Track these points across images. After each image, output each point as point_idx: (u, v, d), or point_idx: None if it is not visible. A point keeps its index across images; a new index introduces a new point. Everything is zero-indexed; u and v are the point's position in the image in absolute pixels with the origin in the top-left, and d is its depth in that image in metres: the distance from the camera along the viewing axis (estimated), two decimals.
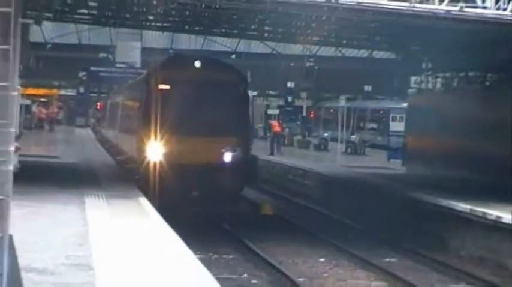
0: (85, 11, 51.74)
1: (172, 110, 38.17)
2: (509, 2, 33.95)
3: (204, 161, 38.02)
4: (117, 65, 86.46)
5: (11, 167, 14.36)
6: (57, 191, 32.08)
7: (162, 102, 37.55)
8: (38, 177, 34.24)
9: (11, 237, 14.11)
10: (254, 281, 30.05)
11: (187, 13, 44.95)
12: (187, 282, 18.38)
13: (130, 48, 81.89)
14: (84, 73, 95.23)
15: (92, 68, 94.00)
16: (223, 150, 38.32)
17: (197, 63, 38.70)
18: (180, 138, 38.03)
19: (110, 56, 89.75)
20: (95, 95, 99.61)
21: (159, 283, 17.90)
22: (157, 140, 37.36)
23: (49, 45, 79.88)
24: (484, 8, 33.92)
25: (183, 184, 37.48)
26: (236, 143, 38.67)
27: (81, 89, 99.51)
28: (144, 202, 31.64)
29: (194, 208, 38.42)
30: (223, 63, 42.98)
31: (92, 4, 47.32)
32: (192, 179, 37.68)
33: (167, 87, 38.37)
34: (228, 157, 38.43)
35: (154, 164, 37.16)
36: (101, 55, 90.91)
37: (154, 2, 41.68)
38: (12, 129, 14.43)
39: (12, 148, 14.57)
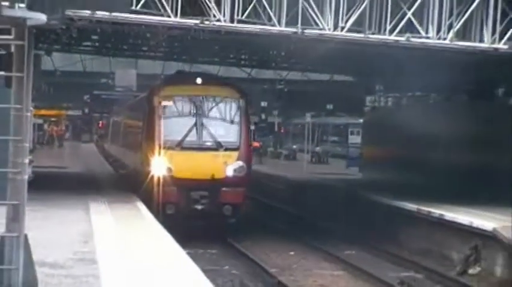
0: (88, 43, 51.80)
1: (175, 126, 35.88)
2: (448, 32, 34.08)
3: (207, 175, 34.92)
4: (116, 89, 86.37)
5: (25, 177, 14.31)
6: (66, 198, 32.14)
7: (165, 118, 35.61)
8: (49, 185, 34.16)
9: (26, 236, 14.06)
10: (234, 271, 30.24)
11: (176, 44, 44.85)
12: (178, 274, 18.36)
13: (127, 75, 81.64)
14: (88, 96, 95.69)
15: (95, 92, 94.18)
16: (226, 164, 35.24)
17: (198, 80, 36.63)
18: (183, 153, 35.36)
19: (110, 81, 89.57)
20: (97, 114, 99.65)
21: (154, 274, 17.87)
22: (160, 155, 34.44)
23: (58, 73, 79.71)
24: (427, 37, 34.03)
25: (187, 198, 34.92)
26: (238, 157, 35.71)
27: (86, 110, 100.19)
28: (141, 207, 32.03)
29: (198, 222, 35.77)
30: (223, 80, 41.55)
31: (94, 37, 47.37)
32: (196, 194, 34.94)
33: (170, 103, 35.80)
34: (230, 170, 35.30)
35: (159, 179, 34.07)
36: (102, 80, 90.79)
37: (148, 35, 41.55)
38: (27, 144, 14.38)
39: (26, 160, 14.51)
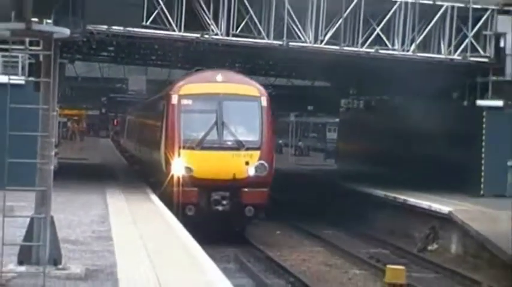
0: (105, 53, 51.62)
1: (195, 125, 30.19)
2: (411, 44, 34.10)
3: (228, 175, 29.19)
4: (129, 92, 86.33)
5: (51, 167, 14.28)
6: (86, 185, 32.04)
7: (184, 116, 29.93)
8: (72, 174, 34.05)
9: (52, 218, 14.03)
10: (229, 248, 30.01)
11: (179, 54, 44.65)
12: (180, 248, 18.31)
13: (138, 80, 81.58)
14: (105, 98, 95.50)
15: (111, 95, 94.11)
16: (247, 164, 29.48)
17: (219, 78, 30.44)
18: (203, 152, 29.55)
19: (123, 85, 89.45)
20: (112, 114, 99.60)
21: (161, 249, 17.80)
22: (180, 155, 29.04)
23: (79, 78, 79.43)
24: (393, 49, 34.04)
25: (207, 199, 29.21)
26: (260, 156, 29.75)
27: (103, 110, 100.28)
28: (150, 192, 31.85)
29: (219, 223, 29.72)
30: (244, 77, 33.30)
31: (111, 48, 47.19)
32: (217, 195, 29.14)
33: (190, 101, 30.00)
34: (252, 170, 29.46)
35: (178, 179, 28.64)
36: (117, 85, 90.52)
37: (156, 47, 41.50)
38: (53, 139, 14.36)
39: (52, 153, 14.49)
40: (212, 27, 32.43)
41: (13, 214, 13.87)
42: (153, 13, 31.08)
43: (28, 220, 14.00)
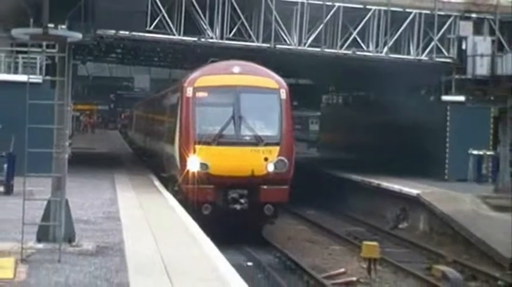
0: (113, 55, 51.56)
1: (211, 119, 25.49)
2: (383, 46, 34.15)
3: (246, 172, 24.51)
4: (134, 90, 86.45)
5: (66, 156, 14.30)
6: (96, 171, 31.93)
7: (200, 110, 25.36)
8: (84, 162, 33.92)
9: (66, 201, 14.06)
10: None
11: (179, 56, 44.63)
12: (181, 227, 18.33)
13: (143, 79, 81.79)
14: (113, 95, 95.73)
15: (118, 92, 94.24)
16: (266, 160, 24.84)
17: (236, 69, 25.87)
18: (220, 148, 24.81)
19: (130, 84, 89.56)
20: (120, 108, 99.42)
21: (163, 228, 17.81)
22: (196, 151, 24.60)
23: (90, 77, 79.41)
24: (368, 51, 34.10)
25: (224, 197, 24.62)
26: (280, 152, 25.01)
27: (111, 105, 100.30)
28: (153, 178, 31.30)
29: (236, 222, 24.98)
30: (262, 68, 27.34)
31: (118, 51, 47.14)
32: (235, 192, 24.54)
33: (205, 94, 25.48)
34: (271, 167, 24.82)
35: (194, 176, 24.32)
36: (124, 83, 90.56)
37: (158, 49, 41.46)
38: (67, 131, 14.39)
39: (66, 143, 14.51)
40: (208, 31, 32.51)
41: (32, 197, 13.88)
42: (155, 19, 31.16)
43: (45, 202, 14.05)
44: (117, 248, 14.54)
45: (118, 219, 18.60)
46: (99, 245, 14.56)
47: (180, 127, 25.91)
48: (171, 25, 31.97)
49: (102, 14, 13.28)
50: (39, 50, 27.35)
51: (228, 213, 24.63)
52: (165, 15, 31.73)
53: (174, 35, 32.20)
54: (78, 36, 13.36)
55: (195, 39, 32.70)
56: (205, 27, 32.47)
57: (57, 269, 12.35)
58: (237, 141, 25.21)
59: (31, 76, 25.67)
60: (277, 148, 25.24)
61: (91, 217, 18.12)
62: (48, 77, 22.19)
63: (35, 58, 28.56)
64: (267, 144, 25.16)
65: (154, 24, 31.10)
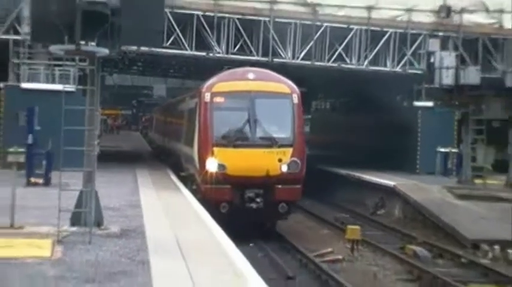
0: (135, 67, 51.57)
1: (228, 122, 23.57)
2: (364, 60, 34.15)
3: (262, 172, 22.63)
4: (153, 97, 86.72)
5: (95, 153, 14.30)
6: (121, 167, 31.89)
7: (217, 114, 23.53)
8: (110, 158, 33.89)
9: (96, 191, 14.05)
10: None
11: (191, 68, 44.57)
12: (192, 214, 18.33)
13: (160, 88, 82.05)
14: (135, 101, 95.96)
15: (139, 99, 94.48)
16: (280, 161, 22.96)
17: (251, 75, 24.02)
18: (236, 150, 22.98)
19: (149, 92, 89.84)
20: (141, 113, 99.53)
21: (177, 214, 17.81)
22: (214, 153, 22.84)
23: (116, 86, 79.53)
24: (351, 64, 34.11)
25: (241, 196, 22.77)
26: (293, 154, 23.17)
27: (134, 110, 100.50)
28: (170, 172, 30.83)
29: (252, 220, 23.64)
30: (275, 74, 25.55)
31: (139, 64, 47.15)
32: (251, 192, 22.72)
33: (222, 99, 23.63)
34: (285, 167, 23.03)
35: (212, 176, 22.61)
36: (144, 91, 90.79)
37: (173, 62, 41.47)
38: (96, 132, 14.38)
39: (96, 142, 14.50)
40: (215, 47, 32.51)
41: (67, 188, 13.88)
42: (171, 37, 31.18)
43: (78, 193, 14.05)
44: (138, 231, 14.57)
45: (139, 207, 18.63)
46: (123, 228, 14.59)
47: (199, 130, 23.94)
48: (184, 42, 32.00)
49: (125, 33, 13.25)
50: (72, 63, 27.48)
51: (244, 211, 22.77)
52: (179, 34, 31.74)
53: (186, 50, 32.22)
54: (105, 51, 13.35)
55: (205, 54, 32.73)
56: (213, 43, 32.47)
57: (88, 249, 12.37)
58: (253, 144, 23.33)
59: (66, 86, 25.78)
60: (290, 150, 23.41)
61: (116, 204, 18.13)
62: (80, 86, 22.14)
63: (69, 70, 28.59)
64: (280, 146, 23.35)
65: (170, 41, 31.14)
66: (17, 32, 29.25)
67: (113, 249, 12.55)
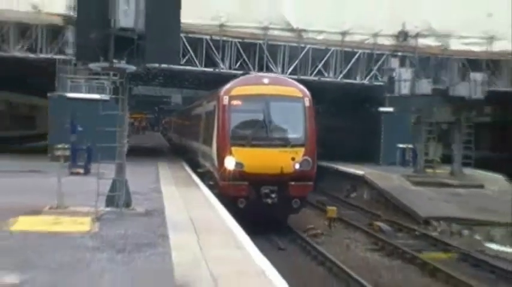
0: (157, 80, 51.45)
1: (245, 123, 21.12)
2: (340, 74, 34.16)
3: (277, 170, 20.24)
4: (171, 104, 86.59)
5: (125, 149, 14.30)
6: (145, 160, 31.78)
7: (235, 116, 21.08)
8: (137, 153, 33.85)
9: (126, 180, 14.06)
10: None
11: (202, 81, 44.49)
12: (202, 198, 18.29)
13: (177, 97, 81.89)
14: (157, 107, 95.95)
15: (160, 105, 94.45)
16: (293, 159, 20.48)
17: (265, 80, 21.77)
18: (253, 149, 20.46)
19: (168, 100, 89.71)
20: (161, 117, 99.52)
21: (190, 199, 17.76)
22: (232, 152, 20.35)
23: (141, 95, 79.60)
24: (329, 78, 34.08)
25: (258, 192, 20.31)
26: (305, 153, 20.72)
27: (156, 114, 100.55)
28: (185, 165, 30.43)
29: (267, 214, 20.85)
30: (288, 79, 23.67)
31: (160, 78, 47.05)
32: (267, 188, 20.25)
33: (240, 102, 21.14)
34: (298, 165, 20.57)
35: (230, 174, 20.14)
36: (164, 99, 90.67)
37: (187, 76, 41.44)
38: (125, 132, 14.36)
39: (125, 140, 14.48)
40: (220, 64, 32.51)
41: (103, 177, 13.89)
42: (186, 56, 31.17)
43: (111, 180, 14.06)
44: (159, 211, 14.58)
45: (160, 192, 18.64)
46: (147, 209, 14.59)
47: (218, 131, 21.25)
48: (196, 60, 32.01)
49: (149, 53, 13.27)
50: (107, 77, 27.46)
51: (260, 206, 20.24)
52: (192, 54, 31.74)
53: (197, 67, 32.23)
54: (133, 68, 13.36)
55: (212, 69, 32.73)
56: (218, 61, 32.48)
57: (119, 225, 12.38)
58: (268, 143, 20.64)
59: (102, 95, 25.80)
60: (303, 149, 20.83)
61: (142, 190, 18.12)
62: (113, 96, 22.15)
63: (104, 83, 28.59)
64: (293, 145, 20.78)
65: (184, 59, 31.13)
66: (62, 53, 29.23)
67: (139, 225, 12.56)
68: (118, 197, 13.80)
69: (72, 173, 22.05)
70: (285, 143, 20.73)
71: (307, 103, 21.38)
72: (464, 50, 35.00)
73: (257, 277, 8.93)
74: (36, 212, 13.35)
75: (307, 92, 21.55)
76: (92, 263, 9.29)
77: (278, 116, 21.20)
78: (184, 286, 8.22)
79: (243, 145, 20.45)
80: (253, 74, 24.03)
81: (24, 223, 12.16)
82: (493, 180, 29.64)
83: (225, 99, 21.16)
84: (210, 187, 20.70)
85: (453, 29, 34.66)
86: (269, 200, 20.17)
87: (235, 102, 20.96)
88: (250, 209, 19.78)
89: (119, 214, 13.30)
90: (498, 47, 34.88)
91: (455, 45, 35.09)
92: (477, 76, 30.33)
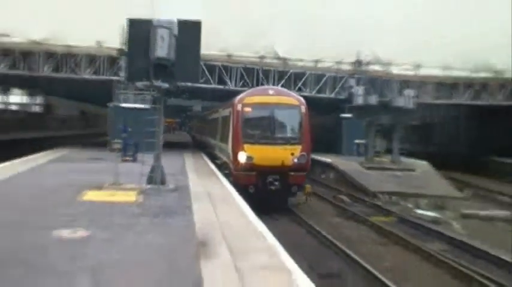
0: (184, 95, 51.13)
1: (255, 126, 19.56)
2: (314, 90, 34.06)
3: (279, 163, 19.00)
4: (194, 111, 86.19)
5: (161, 143, 14.27)
6: (175, 151, 31.55)
7: (247, 120, 19.61)
8: (169, 146, 33.60)
9: (162, 166, 14.03)
10: None
11: (215, 95, 44.21)
12: (215, 176, 18.15)
13: (197, 106, 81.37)
14: (184, 114, 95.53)
15: (187, 113, 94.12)
16: (293, 155, 19.21)
17: (270, 92, 20.42)
18: (261, 146, 19.14)
19: (191, 108, 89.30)
20: (187, 120, 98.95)
21: (208, 179, 17.56)
22: (244, 148, 19.00)
23: (172, 105, 79.27)
24: (306, 92, 33.99)
25: (264, 180, 19.02)
26: (301, 149, 19.52)
27: (182, 119, 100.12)
28: (204, 155, 29.16)
29: (272, 198, 19.34)
30: (288, 91, 22.22)
31: (186, 93, 46.82)
32: (271, 177, 19.04)
33: (250, 109, 19.71)
34: (296, 159, 19.26)
35: (243, 166, 18.88)
36: (189, 108, 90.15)
37: (204, 92, 41.24)
38: (161, 131, 14.36)
39: (161, 137, 14.45)
40: (229, 83, 32.41)
41: (145, 163, 13.88)
42: (203, 77, 31.08)
43: (151, 166, 14.05)
44: (185, 188, 14.54)
45: (186, 174, 18.56)
46: (177, 186, 14.52)
47: (233, 131, 19.69)
48: (211, 80, 31.89)
49: (177, 75, 13.32)
50: (148, 92, 27.37)
51: (266, 192, 18.90)
52: (208, 76, 31.65)
53: (212, 84, 32.11)
54: (166, 86, 13.37)
55: (222, 87, 32.59)
56: (227, 81, 32.37)
57: (156, 197, 12.39)
58: (273, 142, 19.18)
59: (145, 105, 25.73)
60: (300, 146, 19.37)
61: (172, 172, 18.07)
62: (152, 105, 22.10)
63: (146, 96, 28.51)
64: (292, 144, 19.33)
65: (203, 80, 31.01)
66: (117, 75, 29.19)
67: (171, 197, 12.56)
68: (156, 177, 13.82)
69: (123, 160, 21.95)
70: (286, 141, 19.38)
71: (303, 110, 19.96)
72: (401, 74, 34.99)
73: (255, 236, 8.96)
74: (99, 187, 13.37)
75: (303, 101, 20.18)
76: (136, 224, 9.34)
77: (280, 120, 19.92)
78: (204, 240, 8.26)
79: (253, 143, 19.16)
80: (261, 87, 22.39)
81: (91, 195, 12.20)
82: (421, 165, 29.70)
83: (239, 107, 19.89)
84: (226, 175, 19.21)
85: (393, 58, 34.69)
86: (273, 187, 19.00)
87: (246, 109, 19.68)
88: (258, 194, 18.58)
89: (156, 190, 13.31)
90: (423, 72, 34.89)
91: (394, 70, 35.10)
92: (410, 92, 30.40)
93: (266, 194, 18.86)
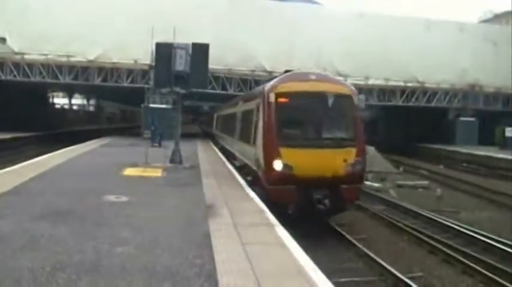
0: (196, 97, 50.20)
1: (294, 122, 9.14)
2: None
3: (329, 173, 8.56)
4: (204, 109, 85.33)
5: (179, 133, 14.20)
6: (189, 141, 30.82)
7: (282, 114, 9.14)
8: (186, 136, 32.76)
9: (179, 149, 14.00)
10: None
11: (218, 98, 43.77)
12: (222, 162, 17.61)
13: (206, 106, 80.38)
14: (196, 112, 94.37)
15: (198, 111, 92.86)
16: (346, 161, 8.65)
17: (312, 77, 9.28)
18: (303, 150, 8.69)
19: (201, 107, 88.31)
20: (198, 117, 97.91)
21: (215, 162, 16.82)
22: (280, 153, 8.74)
23: (187, 106, 78.08)
24: None
25: (309, 198, 8.62)
26: (356, 154, 8.75)
27: (195, 116, 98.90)
28: (212, 143, 26.61)
29: (317, 217, 9.19)
30: (336, 77, 11.03)
31: (197, 96, 45.68)
32: (319, 193, 8.60)
33: (286, 100, 8.99)
34: (350, 167, 8.66)
35: (277, 177, 8.74)
36: (200, 107, 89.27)
37: (211, 95, 40.76)
38: (179, 125, 14.32)
39: (179, 128, 14.61)
40: (229, 89, 32.29)
41: (168, 148, 13.89)
42: (210, 85, 30.90)
43: (172, 149, 14.06)
44: (197, 166, 14.35)
45: (197, 156, 18.40)
46: (191, 165, 14.35)
47: (264, 130, 9.74)
48: (216, 86, 31.76)
49: (191, 83, 13.43)
50: (170, 96, 27.14)
51: (313, 212, 9.32)
52: (214, 84, 31.48)
53: (216, 90, 31.97)
54: (183, 91, 13.43)
55: (224, 92, 32.45)
56: (229, 87, 32.27)
57: (176, 173, 12.42)
58: (319, 144, 9.39)
59: (167, 105, 25.63)
60: (354, 150, 9.46)
61: (187, 154, 17.82)
62: (173, 106, 22.06)
63: (168, 99, 28.37)
64: (345, 146, 9.45)
65: (210, 87, 30.82)
66: (147, 83, 29.15)
67: (187, 173, 12.58)
68: (175, 159, 13.89)
69: (152, 146, 21.89)
70: (337, 143, 9.59)
71: (356, 101, 9.98)
72: (355, 83, 34.40)
73: (247, 201, 9.01)
74: (134, 165, 13.33)
75: (355, 90, 10.24)
76: (161, 192, 9.51)
77: (328, 115, 9.82)
78: (211, 205, 8.42)
79: (291, 146, 9.41)
80: (299, 71, 11.08)
81: (129, 171, 12.26)
82: (369, 150, 29.61)
83: (271, 97, 9.70)
84: (250, 184, 10.52)
85: (348, 72, 34.26)
86: (322, 206, 9.26)
87: (282, 99, 9.72)
88: (300, 214, 9.38)
89: (175, 167, 13.36)
90: (371, 82, 34.84)
91: (349, 80, 34.83)
92: (362, 97, 30.24)
93: (311, 213, 9.64)
